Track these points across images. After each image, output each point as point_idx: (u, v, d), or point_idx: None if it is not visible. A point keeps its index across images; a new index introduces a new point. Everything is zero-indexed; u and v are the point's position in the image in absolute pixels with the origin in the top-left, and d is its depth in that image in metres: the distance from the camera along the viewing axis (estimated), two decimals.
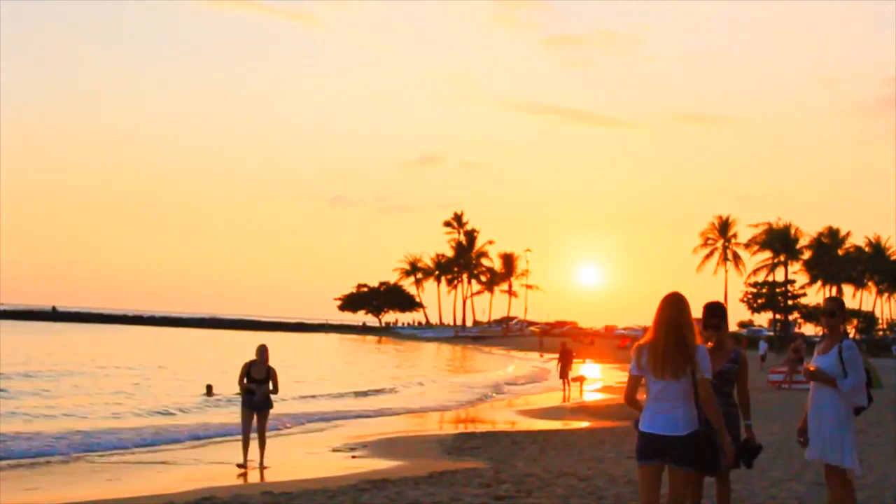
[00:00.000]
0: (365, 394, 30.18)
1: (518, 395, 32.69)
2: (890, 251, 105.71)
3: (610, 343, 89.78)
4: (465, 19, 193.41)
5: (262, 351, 14.17)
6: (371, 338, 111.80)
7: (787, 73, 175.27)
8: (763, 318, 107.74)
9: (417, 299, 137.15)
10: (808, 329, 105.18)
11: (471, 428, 20.19)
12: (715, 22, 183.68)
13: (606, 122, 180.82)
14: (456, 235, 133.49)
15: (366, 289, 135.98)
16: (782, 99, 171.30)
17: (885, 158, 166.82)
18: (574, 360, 34.47)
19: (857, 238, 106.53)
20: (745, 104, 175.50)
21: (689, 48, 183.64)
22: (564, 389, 31.51)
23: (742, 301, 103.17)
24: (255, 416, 13.93)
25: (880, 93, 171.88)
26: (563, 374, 31.87)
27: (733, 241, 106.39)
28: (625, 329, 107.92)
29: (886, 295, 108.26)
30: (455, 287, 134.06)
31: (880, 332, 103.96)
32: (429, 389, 33.77)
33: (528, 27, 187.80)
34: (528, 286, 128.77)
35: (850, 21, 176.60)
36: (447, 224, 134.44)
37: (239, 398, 14.34)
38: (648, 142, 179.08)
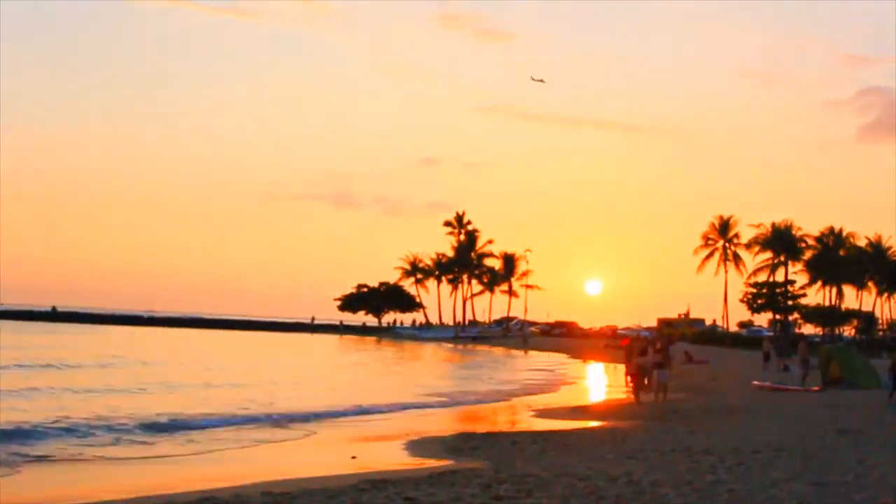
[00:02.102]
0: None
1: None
2: (891, 251, 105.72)
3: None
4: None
5: None
6: (370, 338, 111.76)
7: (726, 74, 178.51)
8: (763, 319, 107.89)
9: (418, 299, 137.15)
10: (808, 329, 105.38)
11: (471, 428, 20.17)
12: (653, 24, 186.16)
13: (606, 125, 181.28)
14: (457, 235, 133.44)
15: (366, 289, 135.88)
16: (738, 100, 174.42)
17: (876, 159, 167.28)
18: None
19: (857, 238, 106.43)
20: (701, 109, 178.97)
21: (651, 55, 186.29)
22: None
23: (742, 301, 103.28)
24: None
25: (823, 96, 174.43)
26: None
27: (734, 241, 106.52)
28: (625, 329, 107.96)
29: (886, 295, 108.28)
30: (456, 288, 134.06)
31: (880, 332, 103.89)
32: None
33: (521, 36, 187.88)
34: (529, 286, 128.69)
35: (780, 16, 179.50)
36: (448, 224, 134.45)
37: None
38: (646, 143, 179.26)
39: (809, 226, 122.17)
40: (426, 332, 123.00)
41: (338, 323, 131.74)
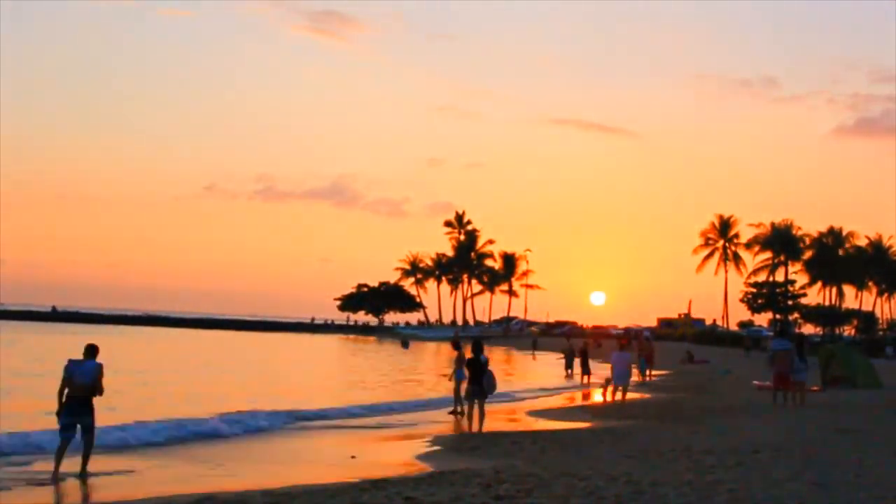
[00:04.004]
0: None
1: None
2: (892, 251, 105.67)
3: (611, 343, 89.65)
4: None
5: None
6: (370, 338, 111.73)
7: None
8: (763, 319, 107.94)
9: (418, 299, 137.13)
10: (808, 329, 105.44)
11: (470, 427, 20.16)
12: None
13: (605, 127, 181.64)
14: (457, 235, 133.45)
15: (366, 289, 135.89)
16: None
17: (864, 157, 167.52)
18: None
19: (857, 237, 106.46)
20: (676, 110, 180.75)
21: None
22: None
23: (742, 301, 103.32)
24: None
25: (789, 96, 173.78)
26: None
27: (734, 241, 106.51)
28: (624, 329, 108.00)
29: (886, 295, 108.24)
30: (456, 287, 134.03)
31: (880, 332, 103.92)
32: None
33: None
34: (529, 286, 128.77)
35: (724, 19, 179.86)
36: (448, 224, 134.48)
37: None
38: (647, 144, 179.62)
39: (809, 226, 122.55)
40: (426, 332, 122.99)
41: (335, 321, 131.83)
